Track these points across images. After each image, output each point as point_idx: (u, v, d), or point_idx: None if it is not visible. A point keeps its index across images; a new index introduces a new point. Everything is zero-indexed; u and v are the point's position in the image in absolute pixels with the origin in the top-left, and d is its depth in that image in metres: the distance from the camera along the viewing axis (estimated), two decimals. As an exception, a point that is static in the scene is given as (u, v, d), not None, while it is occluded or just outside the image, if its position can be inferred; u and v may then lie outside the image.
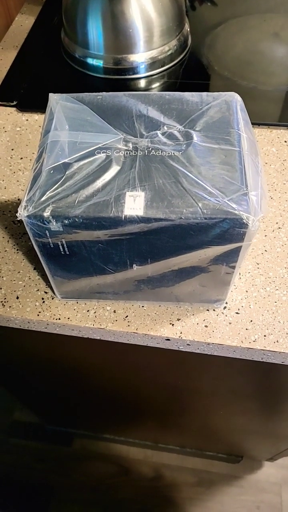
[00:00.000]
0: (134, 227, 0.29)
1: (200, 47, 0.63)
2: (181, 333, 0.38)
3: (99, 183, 0.30)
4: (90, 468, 1.19)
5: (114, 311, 0.40)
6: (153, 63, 0.59)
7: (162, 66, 0.60)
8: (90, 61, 0.59)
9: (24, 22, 0.69)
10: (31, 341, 0.52)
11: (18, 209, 0.29)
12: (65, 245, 0.32)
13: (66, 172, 0.30)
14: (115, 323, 0.39)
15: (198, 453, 1.17)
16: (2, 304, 0.40)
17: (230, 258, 0.32)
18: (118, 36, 0.55)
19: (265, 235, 0.44)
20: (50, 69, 0.62)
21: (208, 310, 0.39)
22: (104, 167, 0.31)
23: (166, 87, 0.59)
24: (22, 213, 0.29)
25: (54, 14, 0.69)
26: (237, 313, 0.39)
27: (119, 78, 0.59)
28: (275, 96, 0.56)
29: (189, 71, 0.60)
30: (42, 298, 0.41)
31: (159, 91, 0.50)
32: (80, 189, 0.30)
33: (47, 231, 0.30)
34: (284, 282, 0.41)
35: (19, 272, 0.42)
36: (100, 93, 0.35)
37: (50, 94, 0.35)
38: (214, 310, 0.39)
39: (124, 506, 1.14)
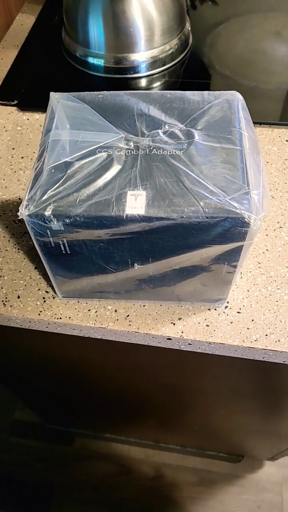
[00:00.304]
0: (135, 226, 0.29)
1: (201, 46, 0.63)
2: (182, 332, 0.38)
3: (101, 182, 0.30)
4: (91, 467, 1.19)
5: (115, 311, 0.40)
6: (154, 62, 0.59)
7: (163, 65, 0.60)
8: (91, 60, 0.59)
9: (25, 21, 0.69)
10: (32, 341, 0.52)
11: (19, 208, 0.29)
12: (66, 244, 0.32)
13: (67, 171, 0.30)
14: (116, 323, 0.39)
15: (199, 452, 1.17)
16: (3, 303, 0.40)
17: (232, 257, 0.32)
18: (119, 35, 0.55)
19: (267, 234, 0.44)
20: (51, 68, 0.62)
21: (209, 309, 0.39)
22: (105, 166, 0.31)
23: (167, 86, 0.59)
24: (23, 212, 0.29)
25: (55, 13, 0.68)
26: (238, 312, 0.39)
27: (120, 77, 0.59)
28: (277, 95, 0.56)
29: (190, 70, 0.60)
30: (43, 298, 0.41)
31: (160, 90, 0.50)
32: (81, 188, 0.30)
33: (48, 230, 0.30)
34: (285, 281, 0.41)
35: (20, 271, 0.42)
36: (101, 92, 0.35)
37: (51, 93, 0.35)
38: (215, 309, 0.39)
39: (125, 505, 1.14)
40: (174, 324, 0.39)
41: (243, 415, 0.75)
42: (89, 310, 0.40)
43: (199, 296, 0.38)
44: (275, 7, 0.68)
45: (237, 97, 0.34)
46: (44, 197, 0.29)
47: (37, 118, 0.55)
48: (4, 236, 0.45)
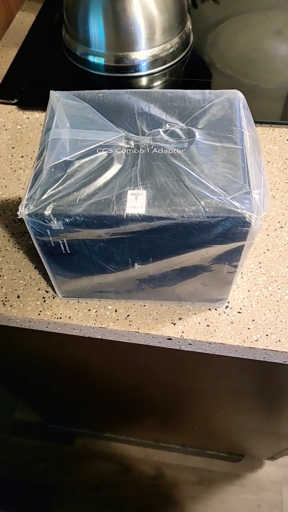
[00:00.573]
0: (135, 226, 0.29)
1: (202, 44, 0.63)
2: (182, 332, 0.38)
3: (101, 181, 0.30)
4: (91, 466, 1.19)
5: (116, 310, 0.40)
6: (155, 61, 0.58)
7: (163, 64, 0.59)
8: (91, 58, 0.59)
9: (25, 19, 0.68)
10: (32, 340, 0.52)
11: (19, 207, 0.29)
12: (66, 244, 0.31)
13: (67, 170, 0.30)
14: (116, 322, 0.39)
15: (199, 452, 1.17)
16: (3, 303, 0.40)
17: (233, 257, 0.32)
18: (120, 33, 0.55)
19: (267, 234, 0.43)
20: (51, 66, 0.61)
21: (210, 309, 0.39)
22: (105, 165, 0.30)
23: (167, 85, 0.59)
24: (23, 212, 0.29)
25: (55, 11, 0.68)
26: (239, 312, 0.39)
27: (120, 76, 0.59)
28: (278, 94, 0.56)
29: (191, 69, 0.60)
30: (43, 297, 0.40)
31: (161, 89, 0.50)
32: (82, 187, 0.29)
33: (48, 230, 0.30)
34: (286, 281, 0.40)
35: (20, 271, 0.42)
36: (102, 91, 0.35)
37: (51, 92, 0.35)
38: (216, 309, 0.39)
39: (125, 504, 1.14)
40: (174, 324, 0.39)
41: (243, 415, 0.75)
42: (89, 310, 0.40)
43: (200, 296, 0.38)
44: (277, 6, 0.67)
45: (238, 96, 0.34)
46: (44, 196, 0.29)
47: (37, 117, 0.55)
48: (4, 236, 0.45)
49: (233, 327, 0.38)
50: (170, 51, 0.59)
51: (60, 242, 0.31)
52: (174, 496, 1.14)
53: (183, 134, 0.32)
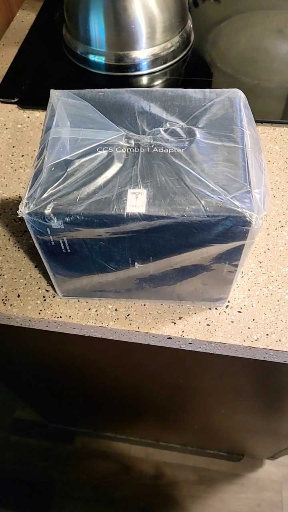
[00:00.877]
0: (136, 225, 0.29)
1: (203, 44, 0.62)
2: (183, 331, 0.38)
3: (101, 180, 0.30)
4: (92, 466, 1.19)
5: (116, 310, 0.40)
6: (156, 60, 0.58)
7: (164, 63, 0.59)
8: (92, 57, 0.58)
9: (25, 18, 0.68)
10: (32, 340, 0.52)
11: (19, 206, 0.29)
12: (66, 243, 0.31)
13: (68, 169, 0.30)
14: (116, 322, 0.39)
15: (199, 451, 1.18)
16: (3, 302, 0.40)
17: (233, 256, 0.32)
18: (120, 32, 0.55)
19: (268, 234, 0.43)
20: (52, 65, 0.61)
21: (210, 308, 0.39)
22: (106, 164, 0.30)
23: (168, 84, 0.59)
24: (23, 211, 0.29)
25: (56, 10, 0.68)
26: (239, 311, 0.39)
27: (121, 75, 0.59)
28: (279, 94, 0.56)
29: (192, 68, 0.60)
30: (43, 296, 0.40)
31: (162, 88, 0.49)
32: (82, 186, 0.29)
33: (48, 229, 0.30)
34: (286, 281, 0.40)
35: (20, 270, 0.42)
36: (102, 90, 0.35)
37: (52, 91, 0.35)
38: (216, 308, 0.39)
39: (125, 503, 1.14)
40: (174, 323, 0.39)
41: (244, 414, 0.75)
42: (89, 309, 0.40)
43: (200, 295, 0.38)
44: (277, 5, 0.67)
45: (239, 95, 0.34)
46: (44, 195, 0.29)
47: (38, 116, 0.55)
48: (4, 235, 0.45)
49: (233, 326, 0.38)
50: (171, 50, 0.59)
51: (60, 241, 0.31)
52: (174, 496, 1.15)
53: (184, 133, 0.32)
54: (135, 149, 0.31)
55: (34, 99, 0.56)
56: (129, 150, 0.31)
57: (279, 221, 0.44)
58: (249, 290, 0.40)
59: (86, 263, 0.34)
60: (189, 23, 0.62)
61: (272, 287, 0.40)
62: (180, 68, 0.60)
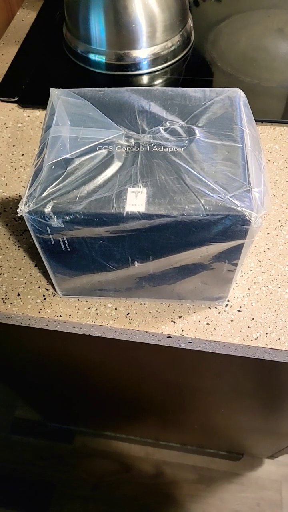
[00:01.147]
0: (135, 224, 0.29)
1: (203, 43, 0.62)
2: (182, 330, 0.38)
3: (101, 179, 0.30)
4: (91, 465, 1.19)
5: (116, 309, 0.40)
6: (156, 59, 0.58)
7: (165, 62, 0.59)
8: (92, 56, 0.58)
9: (25, 17, 0.68)
10: (32, 338, 0.52)
11: (19, 205, 0.29)
12: (66, 242, 0.31)
13: (68, 168, 0.30)
14: (116, 321, 0.39)
15: (198, 450, 1.18)
16: (3, 301, 0.40)
17: (232, 255, 0.32)
18: (121, 31, 0.55)
19: (268, 233, 0.43)
20: (52, 64, 0.61)
21: (209, 307, 0.39)
22: (105, 163, 0.30)
23: (168, 84, 0.59)
24: (23, 209, 0.29)
25: (56, 9, 0.68)
26: (239, 311, 0.39)
27: (121, 74, 0.59)
28: (279, 93, 0.56)
29: (192, 67, 0.60)
30: (43, 295, 0.40)
31: (162, 87, 0.50)
32: (82, 185, 0.29)
33: (48, 228, 0.30)
34: (286, 280, 0.40)
35: (20, 269, 0.42)
36: (102, 88, 0.35)
37: (52, 89, 0.35)
38: (216, 307, 0.39)
39: (125, 503, 1.14)
40: (174, 322, 0.39)
41: (243, 413, 0.75)
42: (89, 308, 0.40)
43: (200, 294, 0.38)
44: (278, 4, 0.67)
45: (239, 94, 0.34)
46: (44, 194, 0.29)
47: (38, 115, 0.55)
48: (4, 234, 0.45)
49: (233, 325, 0.38)
50: (171, 49, 0.59)
51: (60, 240, 0.31)
52: (174, 495, 1.15)
53: (184, 132, 0.32)
54: (135, 148, 0.31)
55: (34, 98, 0.56)
56: (129, 149, 0.31)
57: (279, 220, 0.44)
58: (248, 289, 0.40)
59: (86, 262, 0.34)
60: (190, 22, 0.62)
61: (271, 286, 0.40)
62: (181, 67, 0.60)
